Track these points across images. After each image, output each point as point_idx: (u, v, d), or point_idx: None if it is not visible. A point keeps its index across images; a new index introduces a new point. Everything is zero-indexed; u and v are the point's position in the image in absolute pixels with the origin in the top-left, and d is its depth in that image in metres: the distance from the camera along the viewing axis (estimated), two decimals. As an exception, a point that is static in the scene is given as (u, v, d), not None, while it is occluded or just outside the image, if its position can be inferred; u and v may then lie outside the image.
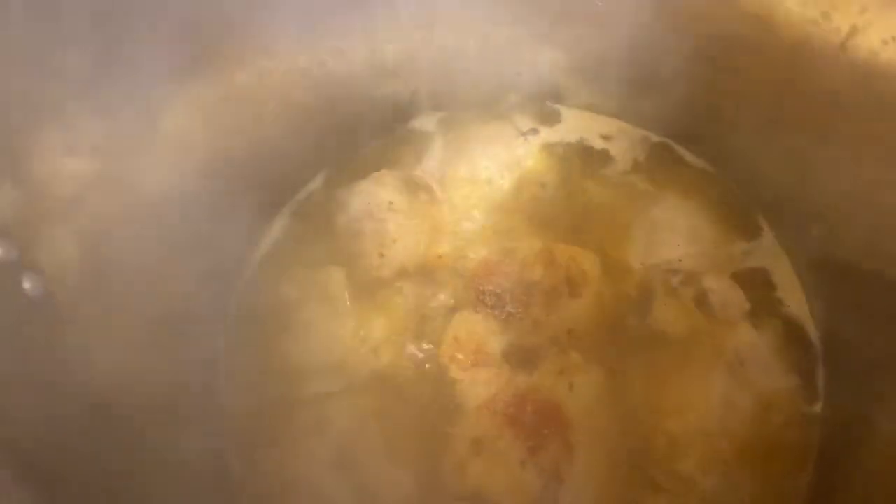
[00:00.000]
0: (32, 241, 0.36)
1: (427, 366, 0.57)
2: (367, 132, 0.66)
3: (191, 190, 0.55)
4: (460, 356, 0.57)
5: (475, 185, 0.64)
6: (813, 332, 0.57)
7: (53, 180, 0.39)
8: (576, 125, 0.66)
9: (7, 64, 0.37)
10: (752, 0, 0.49)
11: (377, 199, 0.62)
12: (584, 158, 0.65)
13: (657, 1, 0.57)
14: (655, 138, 0.65)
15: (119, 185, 0.46)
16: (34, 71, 0.39)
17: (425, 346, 0.58)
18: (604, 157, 0.65)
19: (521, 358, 0.57)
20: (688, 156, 0.64)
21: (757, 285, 0.58)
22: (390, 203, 0.62)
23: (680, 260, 0.59)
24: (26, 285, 0.34)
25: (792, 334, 0.57)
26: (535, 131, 0.66)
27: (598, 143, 0.65)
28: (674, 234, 0.60)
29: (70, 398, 0.37)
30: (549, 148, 0.65)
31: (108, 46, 0.42)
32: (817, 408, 0.55)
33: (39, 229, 0.37)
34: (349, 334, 0.59)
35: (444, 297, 0.60)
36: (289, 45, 0.54)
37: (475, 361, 0.57)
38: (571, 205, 0.63)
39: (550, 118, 0.67)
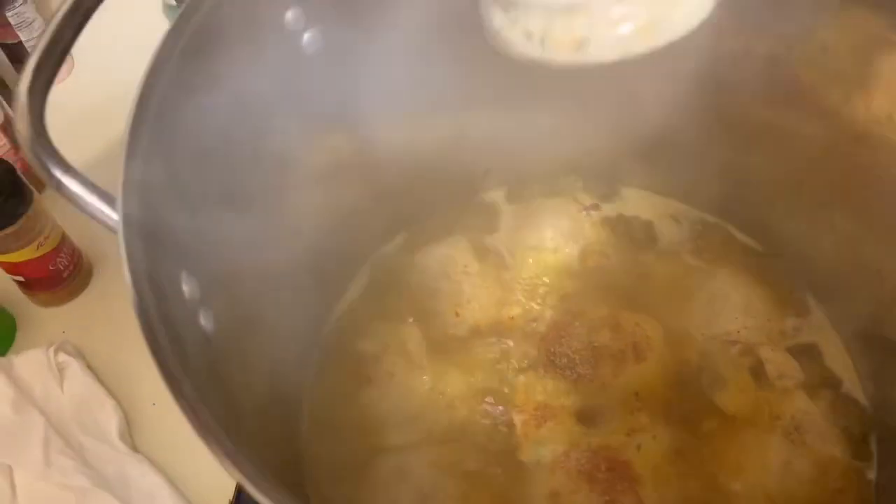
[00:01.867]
0: (207, 282, 0.40)
1: (502, 421, 0.61)
2: (443, 201, 0.70)
3: (288, 247, 0.59)
4: (534, 413, 0.61)
5: (542, 253, 0.69)
6: (864, 403, 0.61)
7: (212, 231, 0.43)
8: (635, 204, 0.72)
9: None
10: (817, 98, 0.55)
11: (453, 261, 0.67)
12: (643, 234, 0.70)
13: (716, 94, 0.63)
14: (710, 219, 0.70)
15: (247, 238, 0.50)
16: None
17: (500, 402, 0.61)
18: (661, 234, 0.70)
19: (591, 417, 0.61)
20: (740, 236, 0.69)
21: (809, 357, 0.63)
22: (465, 266, 0.66)
23: (738, 332, 0.63)
24: (202, 321, 0.38)
25: (844, 404, 0.61)
26: (596, 207, 0.72)
27: (656, 221, 0.71)
28: (730, 308, 0.65)
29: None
30: (609, 223, 0.71)
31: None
32: (871, 474, 0.58)
33: (210, 271, 0.41)
34: (426, 388, 0.62)
35: (516, 356, 0.63)
36: (391, 120, 0.60)
37: (548, 418, 0.60)
38: (632, 276, 0.67)
39: (611, 196, 0.72)
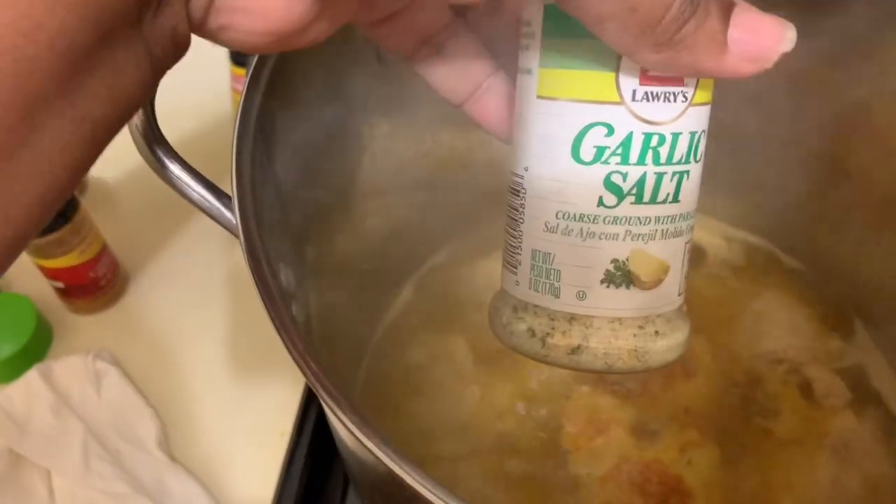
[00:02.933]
0: (296, 279, 0.41)
1: (551, 433, 0.61)
2: (487, 216, 0.71)
3: (342, 259, 0.59)
4: (585, 426, 0.61)
5: (588, 271, 0.69)
6: (911, 423, 0.62)
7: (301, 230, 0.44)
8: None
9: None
10: (870, 125, 0.57)
11: (499, 275, 0.67)
12: (693, 255, 0.71)
13: (772, 121, 0.64)
14: (757, 241, 0.71)
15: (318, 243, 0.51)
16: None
17: (551, 415, 0.62)
18: (709, 255, 0.71)
19: (641, 432, 0.61)
20: (786, 258, 0.70)
21: (855, 377, 0.64)
22: (512, 281, 0.67)
23: (784, 351, 0.64)
24: (294, 310, 0.38)
25: (892, 424, 0.62)
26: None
27: (703, 242, 0.72)
28: (776, 328, 0.65)
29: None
30: (656, 243, 0.71)
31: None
32: (924, 492, 0.59)
33: (297, 268, 0.42)
34: (474, 399, 0.62)
35: (566, 371, 0.64)
36: (452, 132, 0.61)
37: (600, 431, 0.61)
38: (679, 296, 0.68)
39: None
